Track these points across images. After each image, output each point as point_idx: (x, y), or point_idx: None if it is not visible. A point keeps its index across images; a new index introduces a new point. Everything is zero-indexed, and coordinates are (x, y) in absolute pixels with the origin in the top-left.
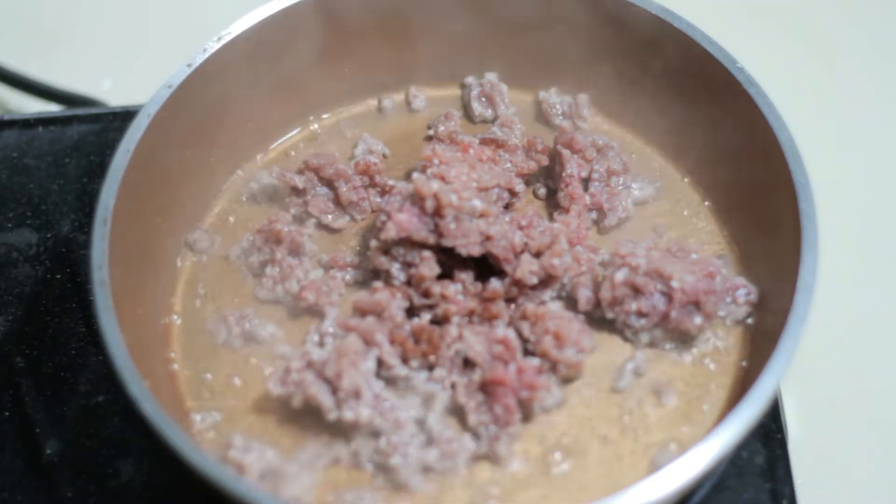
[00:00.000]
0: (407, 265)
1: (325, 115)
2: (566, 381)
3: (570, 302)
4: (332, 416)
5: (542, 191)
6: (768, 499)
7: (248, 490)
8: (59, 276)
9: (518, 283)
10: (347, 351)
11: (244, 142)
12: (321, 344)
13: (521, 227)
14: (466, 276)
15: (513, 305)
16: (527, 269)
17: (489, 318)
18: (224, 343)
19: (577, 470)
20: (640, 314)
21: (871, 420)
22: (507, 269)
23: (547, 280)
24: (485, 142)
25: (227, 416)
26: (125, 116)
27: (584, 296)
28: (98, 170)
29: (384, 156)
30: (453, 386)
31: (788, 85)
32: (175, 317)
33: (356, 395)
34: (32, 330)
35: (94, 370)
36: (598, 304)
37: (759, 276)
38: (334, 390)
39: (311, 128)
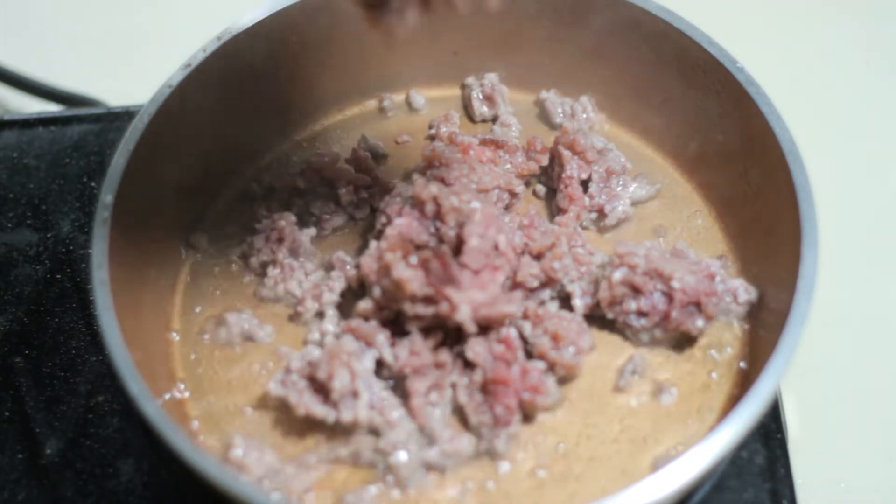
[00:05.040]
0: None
1: (325, 115)
2: (565, 380)
3: (568, 301)
4: (330, 418)
5: (543, 191)
6: (768, 499)
7: (248, 490)
8: (59, 276)
9: (518, 286)
10: (340, 352)
11: (244, 142)
12: (321, 344)
13: (522, 227)
14: None
15: None
16: (527, 271)
17: None
18: (224, 343)
19: (576, 470)
20: (641, 314)
21: (871, 420)
22: None
23: (546, 282)
24: (485, 142)
25: (227, 417)
26: (125, 116)
27: (580, 304)
28: (98, 170)
29: (384, 156)
30: (453, 386)
31: (788, 85)
32: (175, 316)
33: (353, 395)
34: (32, 330)
35: (94, 370)
36: (596, 305)
37: (759, 276)
38: (328, 393)
39: (312, 128)
